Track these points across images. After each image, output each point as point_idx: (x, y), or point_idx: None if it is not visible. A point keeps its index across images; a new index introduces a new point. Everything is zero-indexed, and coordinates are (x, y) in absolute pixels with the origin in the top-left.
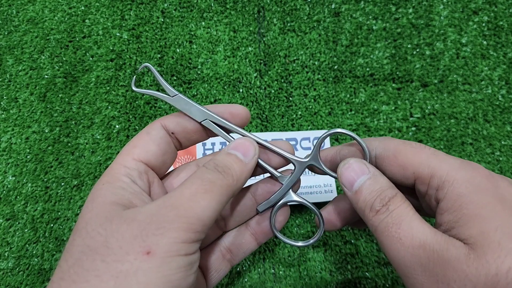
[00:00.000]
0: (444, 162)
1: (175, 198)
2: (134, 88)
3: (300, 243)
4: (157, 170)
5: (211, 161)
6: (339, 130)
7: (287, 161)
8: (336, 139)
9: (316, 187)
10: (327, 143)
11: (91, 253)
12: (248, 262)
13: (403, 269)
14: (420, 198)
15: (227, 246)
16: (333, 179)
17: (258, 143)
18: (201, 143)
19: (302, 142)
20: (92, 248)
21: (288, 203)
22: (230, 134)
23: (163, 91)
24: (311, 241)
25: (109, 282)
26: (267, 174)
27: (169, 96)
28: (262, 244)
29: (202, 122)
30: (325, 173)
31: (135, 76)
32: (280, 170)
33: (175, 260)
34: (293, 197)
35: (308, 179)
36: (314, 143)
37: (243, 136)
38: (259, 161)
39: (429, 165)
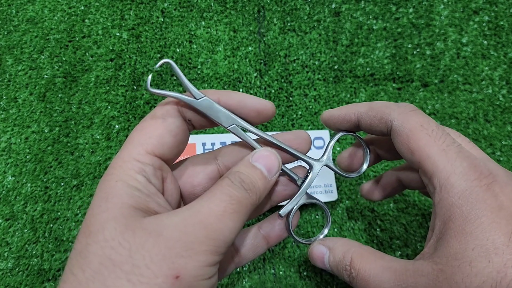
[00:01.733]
0: (450, 163)
1: (204, 215)
2: (151, 90)
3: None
4: (169, 162)
5: (236, 174)
6: (345, 133)
7: (297, 157)
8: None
9: (316, 187)
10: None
11: (113, 268)
12: (248, 263)
13: None
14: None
15: (236, 248)
16: (333, 180)
17: (274, 144)
18: (201, 143)
19: None
20: (115, 262)
21: (304, 204)
22: (248, 133)
23: (181, 92)
24: (321, 237)
25: None
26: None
27: (195, 98)
28: (271, 247)
29: (228, 128)
30: (338, 174)
31: (151, 75)
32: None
33: (200, 285)
34: (307, 197)
35: None
36: (315, 143)
37: (267, 141)
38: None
39: (434, 162)
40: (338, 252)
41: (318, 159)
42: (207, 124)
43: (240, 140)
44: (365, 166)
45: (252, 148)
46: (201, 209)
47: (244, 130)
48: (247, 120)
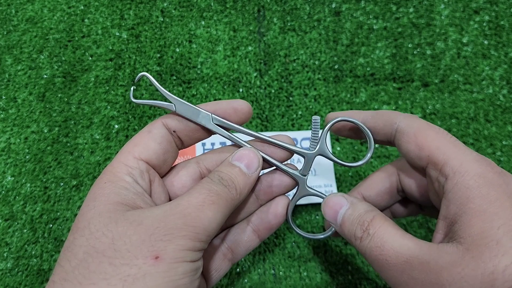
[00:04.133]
0: (461, 152)
1: (183, 206)
2: (133, 100)
3: (320, 236)
4: (158, 169)
5: (216, 173)
6: (342, 118)
7: (291, 153)
8: (336, 139)
9: (316, 187)
10: (328, 139)
11: (97, 255)
12: (248, 263)
13: (398, 286)
14: (429, 183)
15: (228, 245)
16: (333, 179)
17: (262, 139)
18: (201, 143)
19: (303, 142)
20: (98, 249)
21: (304, 196)
22: (234, 134)
23: (164, 98)
24: (329, 233)
25: (117, 286)
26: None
27: (172, 103)
28: (263, 240)
29: (209, 126)
30: (332, 161)
31: (133, 87)
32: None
33: (181, 266)
34: (308, 189)
35: (308, 180)
36: None
37: (249, 135)
38: (269, 158)
39: (445, 152)
40: (361, 208)
41: (311, 150)
42: (194, 133)
43: (224, 143)
44: (367, 156)
45: (238, 146)
46: (181, 202)
47: (229, 130)
48: (228, 120)
